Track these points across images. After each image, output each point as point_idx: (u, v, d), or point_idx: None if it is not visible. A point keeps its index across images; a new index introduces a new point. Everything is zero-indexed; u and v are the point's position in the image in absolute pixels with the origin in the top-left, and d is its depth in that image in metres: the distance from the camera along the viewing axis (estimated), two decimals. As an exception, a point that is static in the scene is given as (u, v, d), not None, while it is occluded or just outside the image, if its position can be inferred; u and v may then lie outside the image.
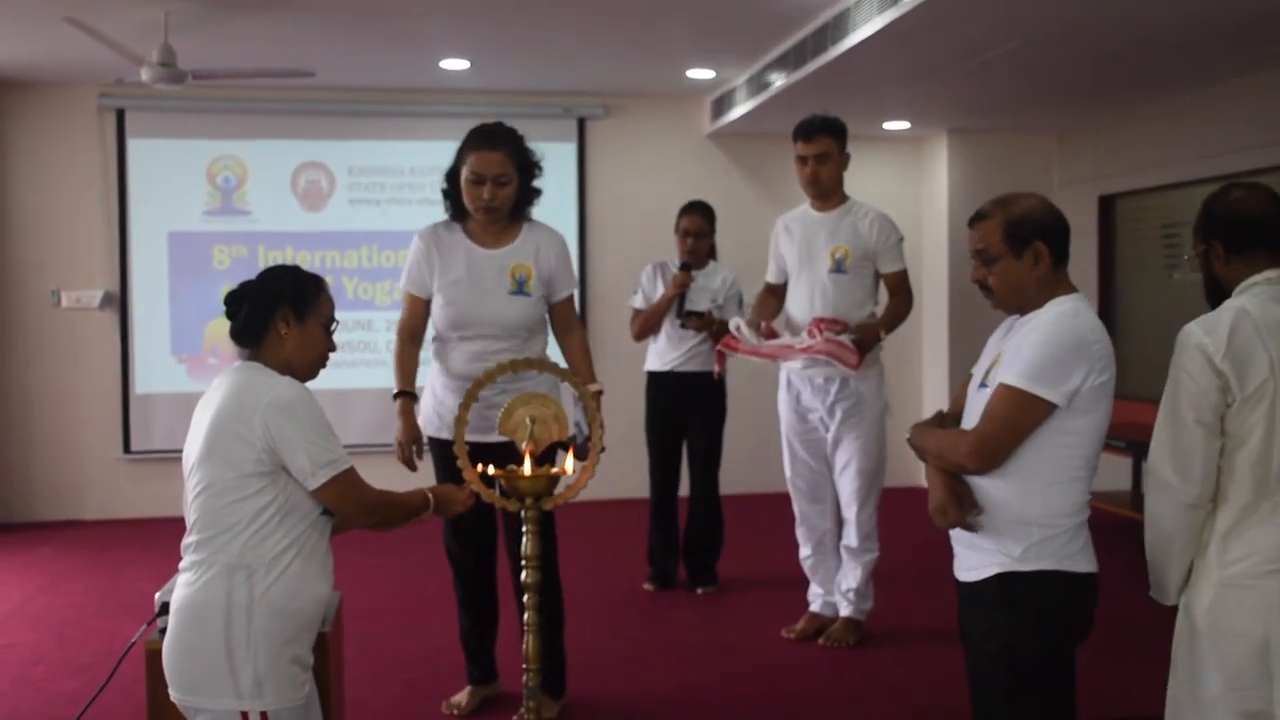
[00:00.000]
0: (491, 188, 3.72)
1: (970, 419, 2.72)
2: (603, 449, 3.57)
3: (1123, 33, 5.48)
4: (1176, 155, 7.24)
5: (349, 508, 2.53)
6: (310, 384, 2.65)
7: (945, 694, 4.17)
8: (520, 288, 3.79)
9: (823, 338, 4.47)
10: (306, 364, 2.64)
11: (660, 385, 5.66)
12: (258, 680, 2.39)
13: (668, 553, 5.73)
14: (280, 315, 2.58)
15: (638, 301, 5.69)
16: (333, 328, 2.68)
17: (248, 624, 2.40)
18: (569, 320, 4.00)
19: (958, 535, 2.72)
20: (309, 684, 2.53)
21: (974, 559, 2.67)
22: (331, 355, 2.72)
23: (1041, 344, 2.52)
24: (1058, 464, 2.54)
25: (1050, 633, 2.60)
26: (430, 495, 2.74)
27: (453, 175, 3.86)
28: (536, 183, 3.88)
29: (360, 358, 7.84)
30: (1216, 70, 6.42)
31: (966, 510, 2.63)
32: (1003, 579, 2.59)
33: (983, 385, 2.68)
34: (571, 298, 4.02)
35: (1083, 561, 2.59)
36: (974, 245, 2.70)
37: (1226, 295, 2.60)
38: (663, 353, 5.62)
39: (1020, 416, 2.51)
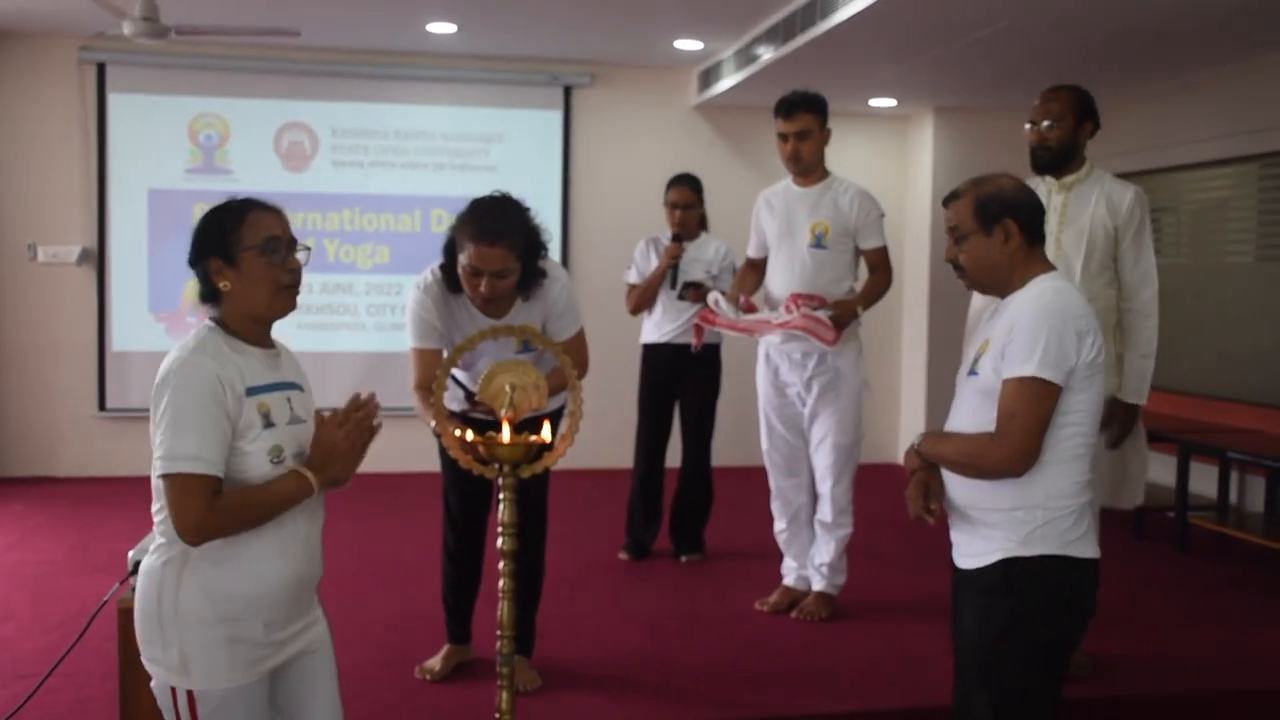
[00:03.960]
0: (490, 280, 3.45)
1: (959, 408, 2.71)
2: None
3: (1112, 17, 5.48)
4: (1163, 140, 7.26)
5: (176, 520, 2.20)
6: (291, 345, 2.54)
7: (916, 668, 4.22)
8: (526, 348, 3.67)
9: (799, 313, 4.48)
10: (262, 304, 2.35)
11: (657, 357, 5.68)
12: (183, 658, 2.27)
13: (648, 523, 5.76)
14: (213, 269, 2.33)
15: (632, 276, 5.71)
16: (275, 248, 2.33)
17: (175, 601, 2.27)
18: (567, 349, 3.87)
19: (957, 522, 2.70)
20: (261, 667, 2.34)
21: (975, 545, 2.64)
22: (312, 299, 2.47)
23: (1035, 327, 2.51)
24: (1058, 444, 2.54)
25: (1051, 619, 2.58)
26: (304, 471, 2.31)
27: (450, 248, 3.57)
28: (540, 252, 3.58)
29: (340, 320, 7.81)
30: (1200, 58, 6.44)
31: (931, 500, 2.66)
32: (1005, 565, 2.57)
33: (972, 373, 2.66)
34: (578, 334, 3.80)
35: (1085, 547, 2.58)
36: (947, 224, 2.71)
37: (1063, 161, 3.98)
38: (660, 324, 5.63)
39: (1041, 406, 2.50)
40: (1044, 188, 4.06)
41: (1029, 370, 2.49)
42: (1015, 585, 2.55)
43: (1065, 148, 3.99)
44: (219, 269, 2.33)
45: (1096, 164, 4.10)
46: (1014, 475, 2.54)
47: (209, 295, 2.38)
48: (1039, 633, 2.57)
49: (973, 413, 2.64)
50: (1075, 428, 2.55)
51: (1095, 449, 2.66)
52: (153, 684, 2.33)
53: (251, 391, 2.30)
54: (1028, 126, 4.06)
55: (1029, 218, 2.65)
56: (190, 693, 2.27)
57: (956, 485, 2.67)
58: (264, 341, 2.42)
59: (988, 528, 2.60)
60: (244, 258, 2.32)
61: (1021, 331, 2.52)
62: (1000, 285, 2.67)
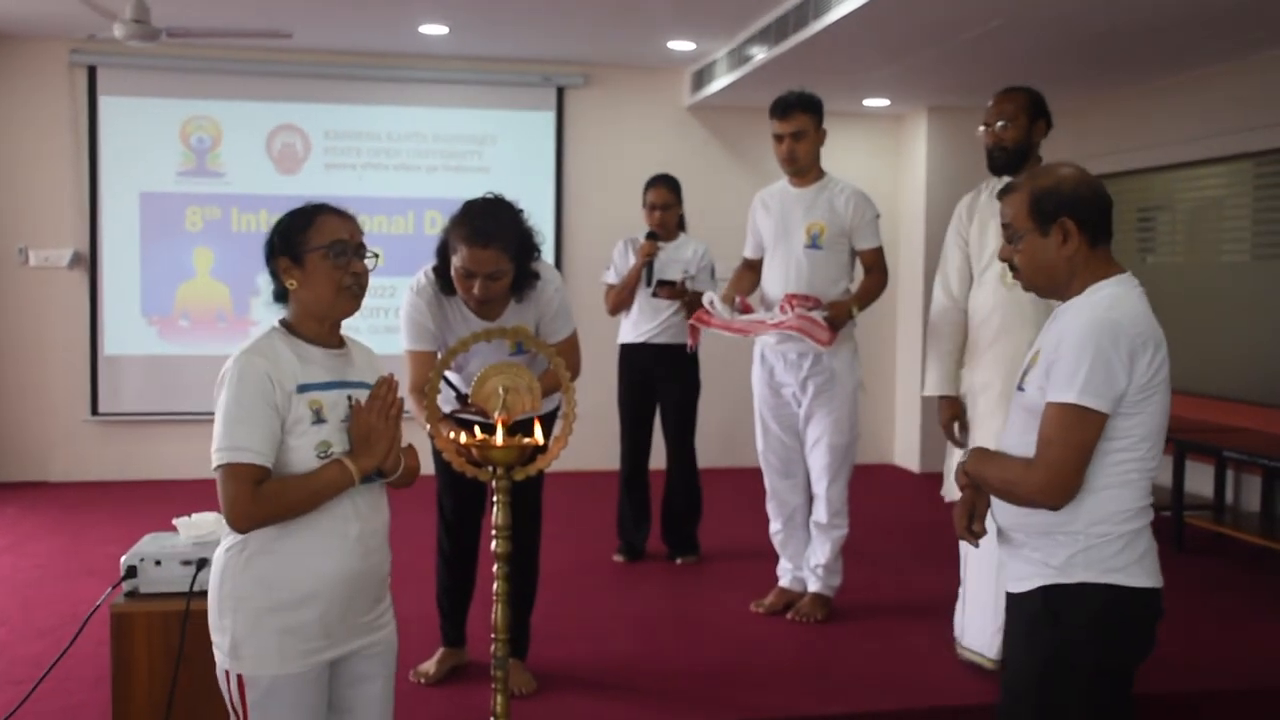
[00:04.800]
0: (484, 283, 3.44)
1: (1010, 425, 2.54)
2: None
3: (1103, 16, 5.48)
4: (1153, 140, 7.26)
5: (224, 508, 2.31)
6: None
7: (912, 669, 4.21)
8: (519, 349, 3.65)
9: (794, 314, 4.46)
10: (325, 304, 2.44)
11: (634, 357, 5.66)
12: (235, 643, 2.35)
13: (638, 525, 5.75)
14: (282, 269, 2.44)
15: (610, 277, 5.70)
16: (340, 250, 2.42)
17: (233, 585, 2.36)
18: (559, 351, 3.84)
19: (1002, 543, 2.55)
20: (314, 659, 2.39)
21: (1019, 569, 2.48)
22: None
23: (1081, 346, 2.29)
24: (1103, 469, 2.34)
25: (1098, 651, 2.37)
26: (345, 460, 2.38)
27: (443, 249, 3.57)
28: (534, 254, 3.59)
29: (333, 323, 7.77)
30: (1194, 56, 6.44)
31: (975, 521, 2.54)
32: (1045, 592, 2.40)
33: (1019, 388, 2.48)
34: (570, 337, 3.81)
35: (1137, 574, 2.37)
36: (1001, 220, 2.51)
37: (1019, 161, 3.95)
38: (636, 324, 5.62)
39: (1082, 435, 2.30)
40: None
41: (1070, 396, 2.28)
42: (1057, 613, 2.38)
43: (1020, 148, 4.03)
44: (287, 268, 2.44)
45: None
46: (1049, 508, 2.35)
47: (280, 294, 2.49)
48: (1085, 665, 2.38)
49: (1020, 432, 2.45)
50: (1125, 453, 2.34)
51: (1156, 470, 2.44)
52: (217, 669, 2.43)
53: (303, 388, 2.38)
54: (981, 129, 4.09)
55: (1091, 215, 2.40)
56: (240, 676, 2.36)
57: (1000, 505, 2.51)
58: (329, 341, 2.50)
59: (1028, 550, 2.44)
60: (310, 258, 2.42)
61: (1067, 350, 2.31)
62: (1058, 289, 2.46)
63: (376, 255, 2.51)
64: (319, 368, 2.44)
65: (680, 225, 5.71)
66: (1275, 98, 6.29)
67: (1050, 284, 2.47)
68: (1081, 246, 2.41)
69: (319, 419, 2.39)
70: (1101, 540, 2.35)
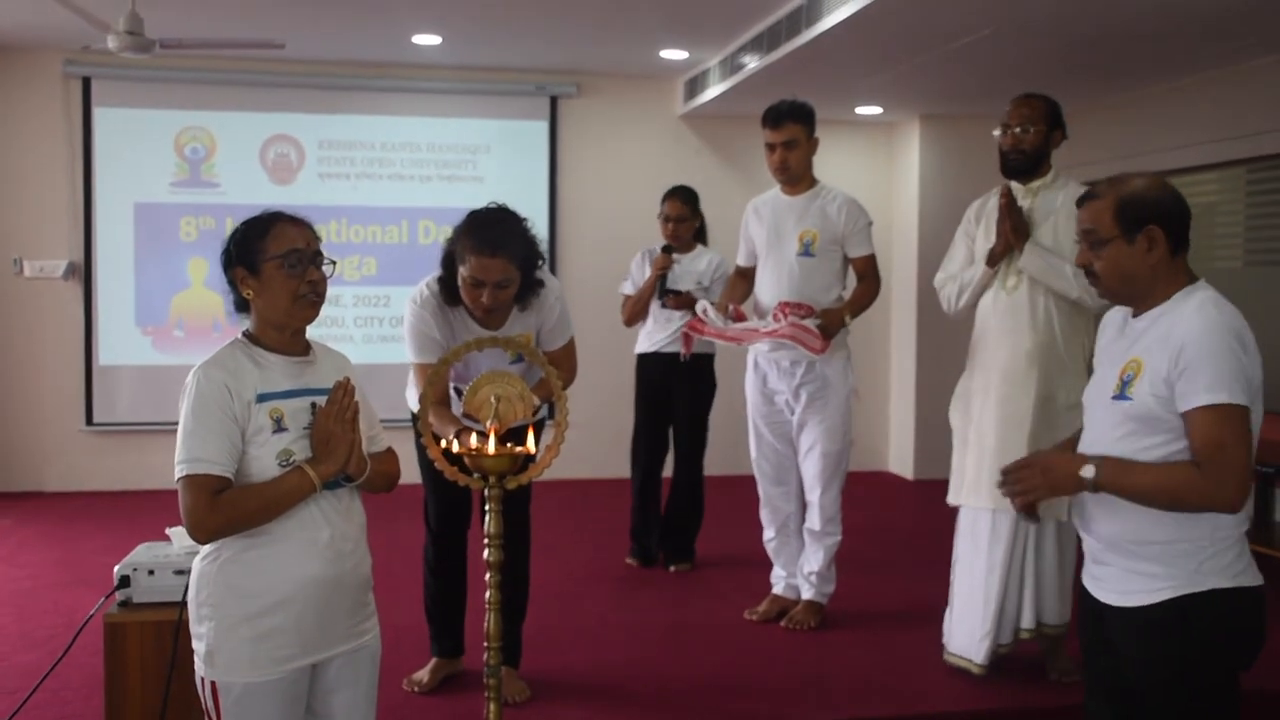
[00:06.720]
0: (492, 291, 3.46)
1: (1100, 433, 2.47)
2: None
3: (1094, 23, 5.49)
4: (1145, 147, 7.28)
5: (184, 519, 2.32)
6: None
7: (905, 677, 4.21)
8: (520, 358, 3.67)
9: (787, 322, 4.48)
10: (281, 313, 2.44)
11: (649, 366, 5.69)
12: (210, 650, 2.37)
13: (649, 531, 5.77)
14: (239, 279, 2.45)
15: (627, 288, 5.73)
16: (296, 260, 2.42)
17: (208, 593, 2.38)
18: (557, 358, 3.79)
19: (1104, 555, 2.48)
20: (288, 665, 2.39)
21: (1132, 582, 2.41)
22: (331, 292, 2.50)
23: (1217, 348, 2.28)
24: None
25: (1227, 656, 2.38)
26: (305, 467, 2.37)
27: (449, 260, 3.58)
28: (538, 272, 3.61)
29: (328, 333, 7.78)
30: (1186, 63, 6.46)
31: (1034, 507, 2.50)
32: (1178, 602, 2.34)
33: (1123, 397, 2.40)
34: (568, 343, 3.84)
35: (1252, 575, 2.38)
36: (1081, 226, 2.46)
37: (1034, 167, 4.01)
38: (650, 334, 5.66)
39: (1247, 432, 2.28)
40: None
41: (1225, 397, 2.25)
42: (1191, 623, 2.34)
43: (1039, 153, 4.04)
44: (243, 278, 2.45)
45: (1063, 171, 4.16)
46: (1232, 511, 2.30)
47: (240, 304, 2.51)
48: (1219, 670, 2.37)
49: (1123, 440, 2.39)
50: None
51: None
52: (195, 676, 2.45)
53: (263, 398, 2.39)
54: (998, 131, 4.09)
55: (1176, 223, 2.40)
56: (214, 683, 2.37)
57: (1106, 515, 2.43)
58: (291, 349, 2.51)
59: (1148, 562, 2.38)
60: (266, 268, 2.42)
61: (1201, 354, 2.28)
62: (1137, 297, 2.44)
63: (334, 263, 2.53)
64: (280, 376, 2.44)
65: (699, 237, 5.73)
66: (1267, 104, 6.32)
67: (1130, 291, 2.44)
68: (1165, 255, 2.39)
69: (280, 428, 2.39)
70: (1225, 545, 2.34)
